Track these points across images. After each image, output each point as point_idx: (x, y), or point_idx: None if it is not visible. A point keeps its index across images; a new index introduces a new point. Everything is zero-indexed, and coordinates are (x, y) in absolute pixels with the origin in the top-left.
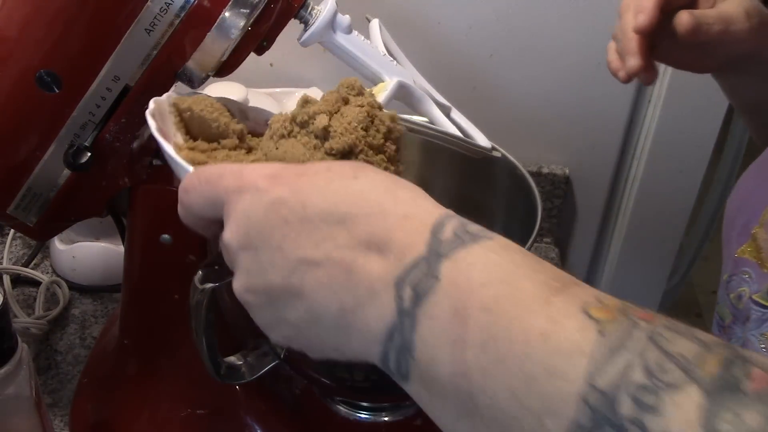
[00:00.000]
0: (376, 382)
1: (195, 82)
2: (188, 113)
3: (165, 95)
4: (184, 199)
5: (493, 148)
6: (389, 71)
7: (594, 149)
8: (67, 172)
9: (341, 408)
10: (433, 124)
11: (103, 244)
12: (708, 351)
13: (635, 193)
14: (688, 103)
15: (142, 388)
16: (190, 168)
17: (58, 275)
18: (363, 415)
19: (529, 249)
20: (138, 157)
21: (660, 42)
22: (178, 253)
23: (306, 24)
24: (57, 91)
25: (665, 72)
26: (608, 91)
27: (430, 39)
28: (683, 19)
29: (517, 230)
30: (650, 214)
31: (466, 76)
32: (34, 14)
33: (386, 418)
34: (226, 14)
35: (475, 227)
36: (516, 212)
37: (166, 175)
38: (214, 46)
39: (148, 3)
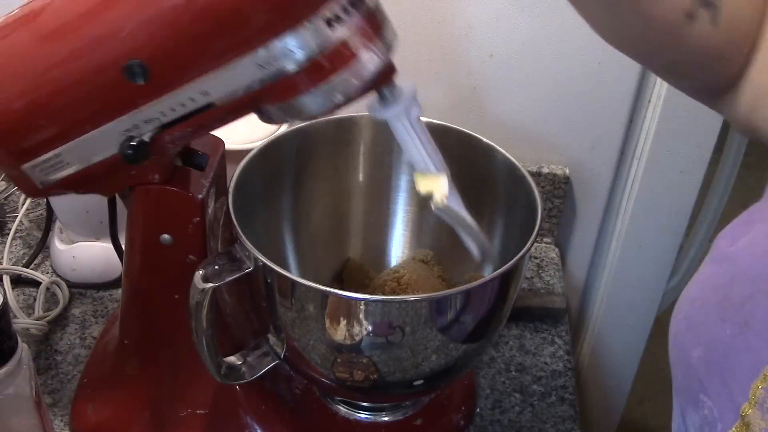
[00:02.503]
0: (376, 382)
1: (274, 121)
2: None
3: None
4: None
5: (494, 149)
6: (438, 165)
7: (594, 149)
8: (104, 153)
9: (341, 408)
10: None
11: (103, 244)
12: None
13: (635, 193)
14: (688, 103)
15: (142, 388)
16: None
17: (58, 275)
18: (363, 415)
19: (528, 249)
20: (173, 158)
21: None
22: (178, 253)
23: (382, 98)
24: (140, 83)
25: None
26: (608, 91)
27: (430, 39)
28: None
29: (517, 230)
30: (650, 214)
31: (466, 76)
32: (165, 12)
33: (386, 418)
34: (335, 79)
35: None
36: (516, 212)
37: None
38: (310, 104)
39: (269, 44)
